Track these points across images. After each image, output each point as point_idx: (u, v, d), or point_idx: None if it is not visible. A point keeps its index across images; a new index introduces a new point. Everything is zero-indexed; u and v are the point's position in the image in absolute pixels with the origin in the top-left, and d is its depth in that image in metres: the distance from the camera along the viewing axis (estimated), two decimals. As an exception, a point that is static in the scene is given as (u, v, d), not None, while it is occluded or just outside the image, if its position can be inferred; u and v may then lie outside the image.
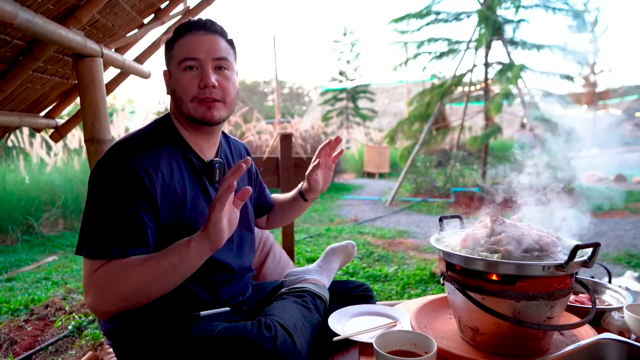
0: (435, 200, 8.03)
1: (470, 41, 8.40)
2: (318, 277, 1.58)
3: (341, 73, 20.97)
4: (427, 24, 8.75)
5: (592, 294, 1.21)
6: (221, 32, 1.33)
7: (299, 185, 1.66)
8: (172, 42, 1.31)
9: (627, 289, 1.56)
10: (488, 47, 8.39)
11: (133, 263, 1.11)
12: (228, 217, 1.10)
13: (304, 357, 1.17)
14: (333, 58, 22.29)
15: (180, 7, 2.51)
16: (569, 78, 8.47)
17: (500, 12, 8.35)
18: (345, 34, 21.05)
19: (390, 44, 9.20)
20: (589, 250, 1.04)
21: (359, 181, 12.23)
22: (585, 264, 1.03)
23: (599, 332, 1.13)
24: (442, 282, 1.21)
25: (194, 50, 1.26)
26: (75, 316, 2.74)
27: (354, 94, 20.30)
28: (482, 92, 8.78)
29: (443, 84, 8.78)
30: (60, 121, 2.64)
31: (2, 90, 1.97)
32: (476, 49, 8.36)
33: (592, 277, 1.71)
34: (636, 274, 2.30)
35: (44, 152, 6.73)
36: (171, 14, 2.48)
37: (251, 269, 1.53)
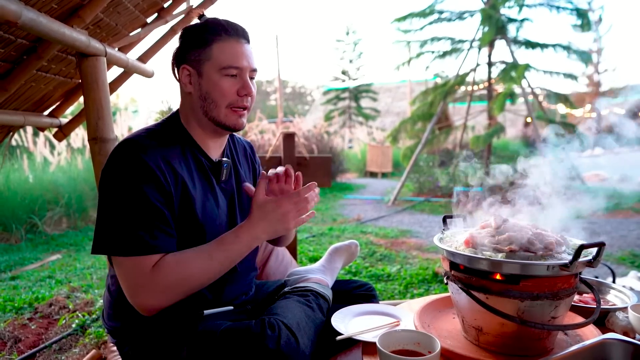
0: (438, 200, 8.02)
1: (473, 40, 8.39)
2: (321, 277, 1.58)
3: (344, 72, 20.99)
4: (430, 23, 8.75)
5: (597, 293, 1.20)
6: (250, 41, 1.35)
7: None
8: (208, 41, 1.26)
9: (631, 288, 1.55)
10: (491, 46, 8.37)
11: (187, 257, 1.17)
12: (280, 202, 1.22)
13: (307, 356, 1.17)
14: (336, 57, 22.39)
15: (183, 6, 2.51)
16: (573, 77, 8.45)
17: (503, 11, 8.34)
18: (347, 33, 21.07)
19: (393, 43, 9.20)
20: (594, 250, 1.03)
21: (361, 181, 12.22)
22: (590, 263, 1.03)
23: (604, 332, 1.13)
24: (445, 281, 1.21)
25: (239, 59, 1.27)
26: (79, 314, 2.75)
27: (356, 94, 20.31)
28: (485, 92, 8.77)
29: (446, 83, 8.77)
30: (64, 120, 2.65)
31: (6, 89, 1.98)
32: (479, 48, 8.35)
33: (596, 277, 1.70)
34: (640, 274, 2.29)
35: (47, 151, 6.75)
36: (174, 13, 2.49)
37: (255, 268, 1.53)
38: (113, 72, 2.48)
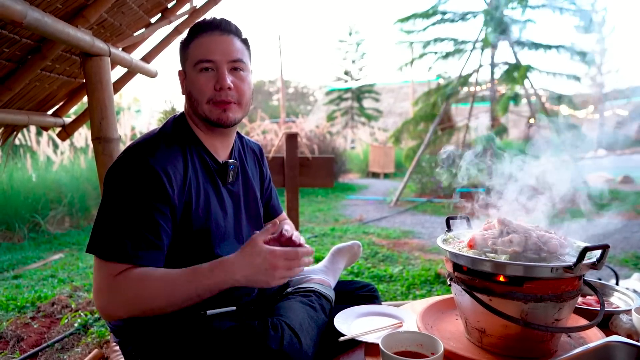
0: (441, 201, 8.01)
1: (476, 41, 8.38)
2: (324, 277, 1.58)
3: (346, 73, 20.98)
4: (433, 24, 8.74)
5: (601, 296, 1.20)
6: (236, 32, 1.33)
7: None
8: (188, 42, 1.31)
9: (634, 291, 1.55)
10: (494, 47, 8.36)
11: (155, 277, 1.12)
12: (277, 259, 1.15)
13: (310, 357, 1.17)
14: (338, 58, 22.30)
15: (186, 7, 2.52)
16: (576, 78, 8.44)
17: (506, 12, 8.32)
18: (350, 34, 21.06)
19: (396, 44, 9.20)
20: (598, 252, 1.03)
21: (363, 181, 12.22)
22: (594, 265, 1.03)
23: (607, 335, 1.12)
24: (448, 283, 1.20)
25: (210, 52, 1.26)
26: (82, 314, 2.75)
27: (359, 94, 20.30)
28: (488, 93, 8.75)
29: (449, 84, 8.76)
30: (68, 120, 2.65)
31: (10, 89, 1.98)
32: (482, 49, 8.34)
33: (600, 279, 1.70)
34: (644, 276, 2.28)
35: (50, 150, 6.77)
36: (178, 13, 2.49)
37: None
38: (117, 72, 2.49)
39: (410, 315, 1.41)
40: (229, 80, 1.26)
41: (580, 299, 1.45)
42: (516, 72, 7.81)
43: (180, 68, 1.36)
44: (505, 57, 8.66)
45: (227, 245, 1.33)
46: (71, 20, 1.76)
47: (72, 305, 2.92)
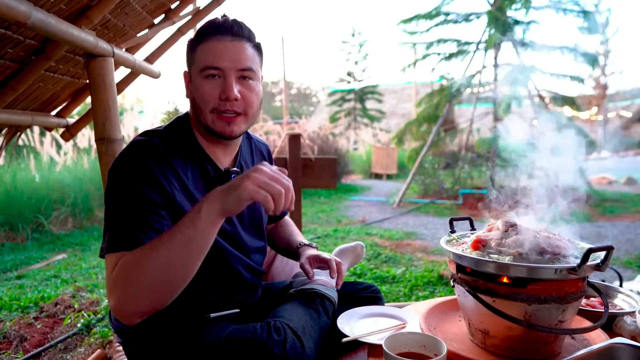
0: (444, 202, 7.99)
1: (479, 42, 8.37)
2: (326, 278, 1.58)
3: (349, 74, 20.98)
4: (437, 25, 8.73)
5: (604, 297, 1.19)
6: (249, 37, 1.24)
7: (300, 244, 1.57)
8: (196, 43, 1.22)
9: (638, 293, 1.54)
10: (497, 48, 8.34)
11: (145, 248, 1.03)
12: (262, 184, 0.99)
13: (313, 358, 1.17)
14: (341, 59, 22.34)
15: (190, 8, 2.52)
16: (579, 80, 8.41)
17: (510, 13, 8.30)
18: (353, 35, 21.06)
19: (399, 45, 9.20)
20: (602, 254, 1.03)
21: (366, 182, 12.21)
22: (598, 267, 1.02)
23: (611, 337, 1.12)
24: (452, 284, 1.20)
25: (218, 59, 1.18)
26: (84, 314, 2.76)
27: (361, 95, 20.29)
28: (491, 94, 8.74)
29: (452, 85, 8.75)
30: (71, 120, 2.66)
31: (14, 90, 1.99)
32: (485, 50, 8.32)
33: (603, 281, 1.69)
34: (648, 278, 2.27)
35: (54, 151, 6.80)
36: (181, 14, 2.50)
37: (262, 272, 1.52)
38: (120, 73, 2.50)
39: (413, 316, 1.41)
40: (235, 90, 1.18)
41: (584, 301, 1.44)
42: (519, 73, 7.79)
43: (186, 69, 1.29)
44: (509, 58, 8.64)
45: (228, 251, 1.32)
46: (75, 21, 1.77)
47: (75, 306, 2.93)
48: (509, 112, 7.59)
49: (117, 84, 2.33)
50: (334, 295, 1.48)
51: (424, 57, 8.99)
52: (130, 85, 2.63)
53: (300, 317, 1.25)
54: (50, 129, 2.80)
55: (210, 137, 1.28)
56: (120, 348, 1.85)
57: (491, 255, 1.10)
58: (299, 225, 2.92)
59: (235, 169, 1.32)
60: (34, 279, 3.73)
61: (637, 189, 9.42)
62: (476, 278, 1.11)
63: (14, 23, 1.39)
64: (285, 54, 20.56)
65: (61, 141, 6.54)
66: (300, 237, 1.62)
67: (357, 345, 1.30)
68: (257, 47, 1.28)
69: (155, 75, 2.61)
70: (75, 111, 2.76)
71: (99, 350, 2.25)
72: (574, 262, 1.03)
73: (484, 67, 8.47)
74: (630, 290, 1.51)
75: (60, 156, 6.76)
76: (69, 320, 2.70)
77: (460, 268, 1.16)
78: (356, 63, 21.03)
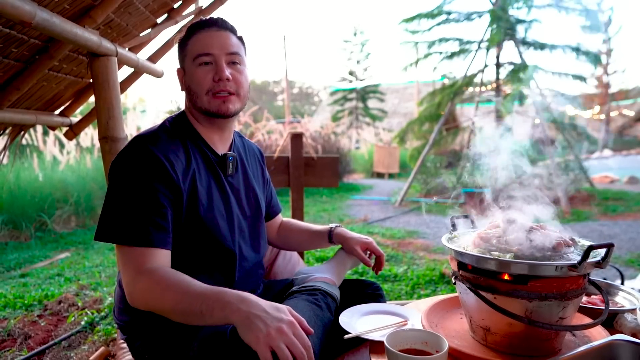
0: (445, 201, 7.99)
1: (481, 41, 8.35)
2: (329, 276, 1.59)
3: (351, 73, 20.98)
4: (438, 24, 8.72)
5: (605, 295, 1.20)
6: (232, 29, 1.38)
7: (331, 228, 1.74)
8: (186, 40, 1.35)
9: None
10: (500, 47, 8.33)
11: (170, 284, 1.09)
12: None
13: (316, 355, 1.17)
14: (343, 58, 22.40)
15: (192, 7, 2.53)
16: (582, 79, 8.39)
17: (512, 12, 8.30)
18: (355, 34, 21.07)
19: (401, 44, 9.19)
20: (602, 251, 1.03)
21: (368, 181, 12.21)
22: (599, 264, 1.03)
23: (612, 334, 1.12)
24: (453, 281, 1.21)
25: (208, 46, 1.31)
26: (88, 312, 2.77)
27: (363, 94, 20.30)
28: (493, 93, 8.73)
29: (454, 84, 8.74)
30: (75, 119, 2.67)
31: (18, 89, 2.00)
32: (487, 49, 8.31)
33: (605, 279, 1.69)
34: (649, 277, 2.27)
35: (57, 150, 6.82)
36: (184, 13, 2.51)
37: (262, 265, 1.55)
38: (123, 72, 2.51)
39: (415, 313, 1.41)
40: (227, 72, 1.30)
41: (585, 298, 1.45)
42: (522, 72, 7.79)
43: (179, 66, 1.40)
44: (511, 57, 8.63)
45: (229, 235, 1.35)
46: (78, 21, 1.78)
47: (79, 304, 2.95)
48: (511, 112, 7.58)
49: (120, 83, 2.34)
50: (336, 293, 1.49)
51: (426, 56, 8.98)
52: (133, 84, 2.65)
53: (303, 313, 1.26)
54: (53, 128, 2.81)
55: (207, 123, 1.37)
56: (124, 345, 1.86)
57: (492, 252, 1.11)
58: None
59: (231, 153, 1.41)
60: (37, 278, 3.76)
61: (639, 188, 9.41)
62: (477, 275, 1.12)
63: (19, 23, 1.40)
64: (287, 53, 20.58)
65: (64, 140, 6.57)
66: (318, 226, 1.77)
67: (359, 342, 1.31)
68: (241, 39, 1.40)
69: (158, 75, 2.62)
70: (78, 110, 2.77)
71: (102, 348, 2.27)
72: (575, 259, 1.04)
73: (485, 66, 8.46)
74: (632, 288, 1.52)
75: (64, 155, 6.78)
76: (73, 318, 2.72)
77: (461, 265, 1.17)
78: (358, 62, 21.03)
